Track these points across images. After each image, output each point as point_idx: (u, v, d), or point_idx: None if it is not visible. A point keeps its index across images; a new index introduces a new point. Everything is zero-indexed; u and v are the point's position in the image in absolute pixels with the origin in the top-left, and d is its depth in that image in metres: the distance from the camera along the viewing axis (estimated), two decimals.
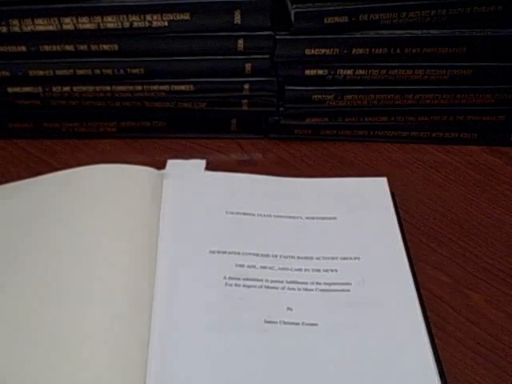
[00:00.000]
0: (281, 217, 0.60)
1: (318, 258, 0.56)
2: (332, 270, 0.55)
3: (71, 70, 0.68)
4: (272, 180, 0.65)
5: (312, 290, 0.54)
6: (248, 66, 0.68)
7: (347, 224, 0.60)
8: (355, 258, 0.56)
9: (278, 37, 0.65)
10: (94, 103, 0.71)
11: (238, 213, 0.60)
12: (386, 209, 0.61)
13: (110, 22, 0.64)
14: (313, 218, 0.60)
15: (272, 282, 0.54)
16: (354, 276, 0.55)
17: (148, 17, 0.64)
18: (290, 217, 0.60)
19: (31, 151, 0.71)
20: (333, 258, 0.56)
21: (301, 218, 0.60)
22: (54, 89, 0.69)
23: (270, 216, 0.60)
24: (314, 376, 0.48)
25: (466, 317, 0.55)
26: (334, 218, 0.60)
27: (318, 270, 0.55)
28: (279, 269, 0.55)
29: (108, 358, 0.47)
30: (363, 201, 0.62)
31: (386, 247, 0.57)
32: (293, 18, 0.64)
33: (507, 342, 0.53)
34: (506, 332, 0.53)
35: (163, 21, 0.64)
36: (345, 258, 0.56)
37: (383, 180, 0.64)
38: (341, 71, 0.68)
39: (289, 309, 0.52)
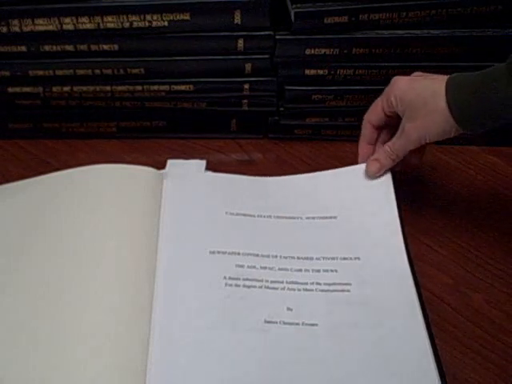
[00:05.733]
0: (281, 217, 0.60)
1: (318, 259, 0.56)
2: (332, 271, 0.55)
3: (71, 70, 0.68)
4: (271, 180, 0.64)
5: (312, 290, 0.54)
6: (248, 66, 0.68)
7: (347, 223, 0.59)
8: (355, 258, 0.56)
9: (277, 37, 0.65)
10: (94, 103, 0.71)
11: (237, 214, 0.60)
12: (387, 202, 0.60)
13: (110, 21, 0.64)
14: (313, 218, 0.60)
15: (272, 282, 0.54)
16: (354, 276, 0.55)
17: (148, 17, 0.64)
18: (290, 217, 0.60)
19: (31, 151, 0.71)
20: (333, 259, 0.56)
21: (301, 218, 0.60)
22: (54, 89, 0.69)
23: (270, 217, 0.60)
24: (313, 376, 0.48)
25: (466, 317, 0.55)
26: (335, 217, 0.60)
27: (318, 271, 0.55)
28: (279, 269, 0.55)
29: (108, 358, 0.47)
30: (364, 190, 0.61)
31: (387, 247, 0.57)
32: (293, 18, 0.64)
33: (507, 342, 0.53)
34: (506, 332, 0.54)
35: (163, 21, 0.64)
36: (345, 258, 0.56)
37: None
38: (341, 71, 0.68)
39: (289, 309, 0.52)
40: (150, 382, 0.47)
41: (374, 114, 0.60)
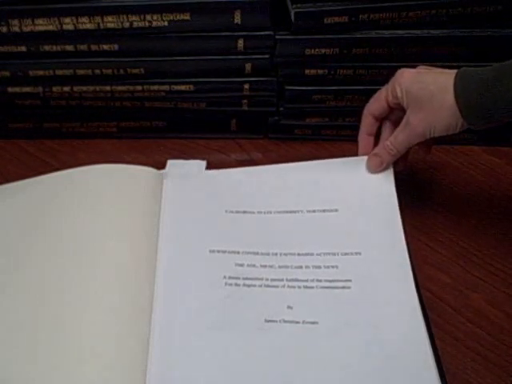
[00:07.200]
0: (281, 212, 0.60)
1: (318, 254, 0.56)
2: (333, 267, 0.55)
3: (71, 70, 0.68)
4: (271, 169, 0.64)
5: (312, 287, 0.54)
6: (248, 66, 0.68)
7: (349, 216, 0.59)
8: (356, 253, 0.56)
9: (277, 37, 0.65)
10: (94, 103, 0.71)
11: (237, 212, 0.60)
12: (388, 196, 0.60)
13: (110, 21, 0.64)
14: (314, 211, 0.60)
15: (272, 280, 0.54)
16: (354, 272, 0.54)
17: (148, 17, 0.64)
18: (291, 211, 0.60)
19: (31, 151, 0.71)
20: (334, 254, 0.56)
21: (301, 211, 0.60)
22: (54, 89, 0.69)
23: (270, 213, 0.60)
24: (314, 375, 0.48)
25: (466, 317, 0.55)
26: (336, 210, 0.59)
27: (319, 267, 0.55)
28: (279, 267, 0.55)
29: (108, 358, 0.47)
30: (366, 183, 0.61)
31: (387, 241, 0.57)
32: (293, 18, 0.64)
33: (507, 342, 0.53)
34: (506, 332, 0.54)
35: (163, 21, 0.64)
36: (346, 254, 0.56)
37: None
38: (341, 71, 0.68)
39: (289, 307, 0.52)
40: (149, 382, 0.47)
41: (377, 104, 0.60)
